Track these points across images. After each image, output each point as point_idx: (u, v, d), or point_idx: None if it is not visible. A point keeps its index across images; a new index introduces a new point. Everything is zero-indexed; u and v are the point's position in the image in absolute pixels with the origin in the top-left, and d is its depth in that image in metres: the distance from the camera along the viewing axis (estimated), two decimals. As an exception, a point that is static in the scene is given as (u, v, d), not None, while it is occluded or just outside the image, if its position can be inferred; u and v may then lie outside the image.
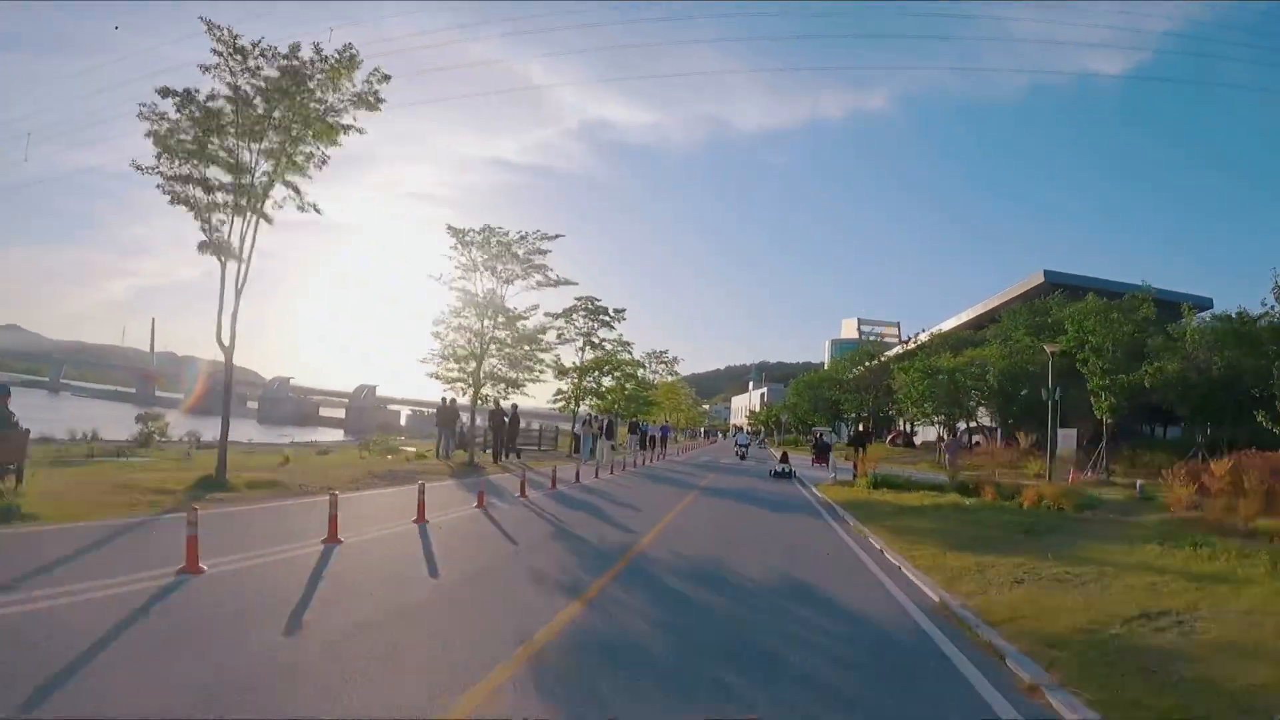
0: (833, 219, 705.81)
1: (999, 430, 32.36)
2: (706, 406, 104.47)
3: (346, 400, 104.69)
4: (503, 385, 21.64)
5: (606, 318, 30.38)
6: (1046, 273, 32.46)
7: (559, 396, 30.46)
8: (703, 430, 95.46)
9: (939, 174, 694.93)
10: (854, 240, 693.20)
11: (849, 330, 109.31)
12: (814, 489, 18.62)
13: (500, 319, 21.20)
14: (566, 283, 23.24)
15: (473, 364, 20.49)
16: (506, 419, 21.35)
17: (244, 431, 34.68)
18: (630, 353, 35.05)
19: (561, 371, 28.77)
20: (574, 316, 29.87)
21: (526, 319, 22.78)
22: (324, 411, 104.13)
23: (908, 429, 51.65)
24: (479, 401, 21.60)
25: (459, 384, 21.07)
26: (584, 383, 29.93)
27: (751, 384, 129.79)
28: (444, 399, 20.92)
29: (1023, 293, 33.91)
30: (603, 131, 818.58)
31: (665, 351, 49.66)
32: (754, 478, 22.79)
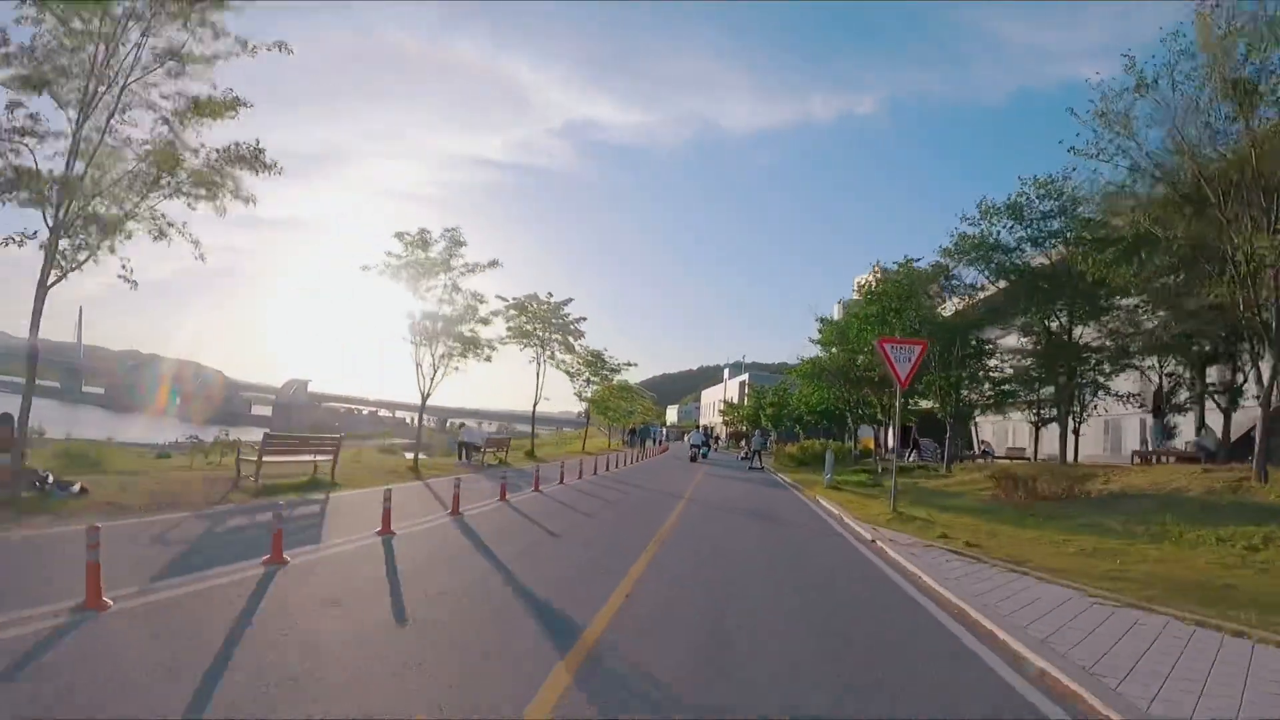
0: (817, 220, 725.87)
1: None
2: (627, 380, 46.04)
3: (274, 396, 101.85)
4: None
5: None
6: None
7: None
8: (631, 429, 48.73)
9: (927, 176, 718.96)
10: (838, 242, 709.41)
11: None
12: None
13: None
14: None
15: None
16: None
17: (156, 429, 33.67)
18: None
19: None
20: None
21: None
22: (256, 409, 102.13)
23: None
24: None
25: None
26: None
27: (728, 372, 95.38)
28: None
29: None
30: (588, 130, 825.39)
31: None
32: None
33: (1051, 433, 22.37)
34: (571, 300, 30.36)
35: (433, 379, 18.75)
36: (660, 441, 55.38)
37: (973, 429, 33.27)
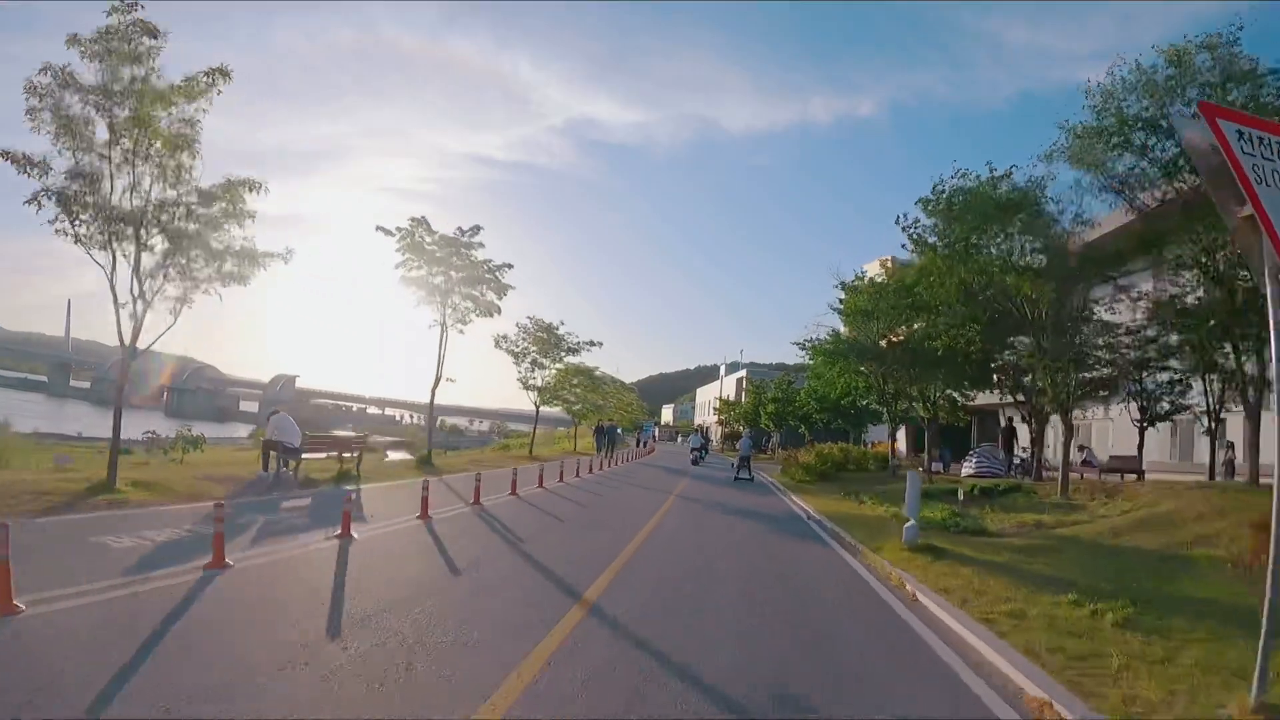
0: (816, 222, 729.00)
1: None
2: (596, 367, 38.96)
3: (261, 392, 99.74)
4: None
5: None
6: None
7: None
8: (598, 428, 38.56)
9: (927, 179, 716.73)
10: (838, 244, 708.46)
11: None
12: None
13: None
14: None
15: None
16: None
17: (139, 425, 32.44)
18: None
19: None
20: None
21: None
22: (244, 405, 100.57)
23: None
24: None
25: None
26: None
27: (724, 369, 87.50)
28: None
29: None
30: (588, 129, 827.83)
31: None
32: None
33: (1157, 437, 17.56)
34: (481, 229, 20.50)
35: (143, 314, 10.31)
36: (646, 442, 48.92)
37: (1008, 427, 26.23)
